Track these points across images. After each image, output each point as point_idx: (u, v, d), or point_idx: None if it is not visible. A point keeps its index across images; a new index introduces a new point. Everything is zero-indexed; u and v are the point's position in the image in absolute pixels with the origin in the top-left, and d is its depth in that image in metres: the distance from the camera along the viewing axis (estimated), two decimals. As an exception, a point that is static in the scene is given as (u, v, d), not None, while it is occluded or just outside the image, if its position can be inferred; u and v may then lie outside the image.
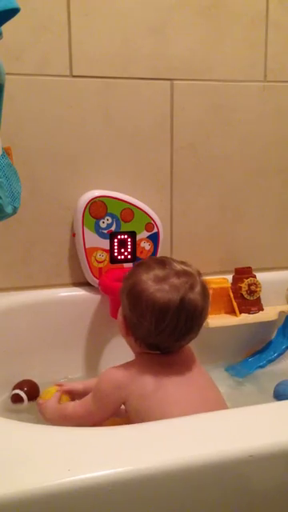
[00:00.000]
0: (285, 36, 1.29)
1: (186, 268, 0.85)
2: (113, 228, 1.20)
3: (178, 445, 0.60)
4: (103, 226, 1.19)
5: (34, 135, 1.16)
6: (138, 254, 1.23)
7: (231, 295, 1.24)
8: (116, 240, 1.21)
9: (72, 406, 0.91)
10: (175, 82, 1.23)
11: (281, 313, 1.28)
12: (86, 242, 1.19)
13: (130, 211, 1.21)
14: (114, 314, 1.15)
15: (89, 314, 1.22)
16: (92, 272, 1.20)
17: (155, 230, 1.24)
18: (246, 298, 1.25)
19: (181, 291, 0.81)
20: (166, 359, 0.86)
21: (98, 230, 1.19)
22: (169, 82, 1.23)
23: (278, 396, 1.10)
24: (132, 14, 1.17)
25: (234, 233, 1.36)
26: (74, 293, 1.23)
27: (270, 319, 1.26)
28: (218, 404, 0.84)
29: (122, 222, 1.21)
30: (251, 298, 1.25)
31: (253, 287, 1.25)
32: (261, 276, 1.27)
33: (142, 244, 1.23)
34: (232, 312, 1.25)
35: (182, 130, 1.26)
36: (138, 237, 1.23)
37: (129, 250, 1.22)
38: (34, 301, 1.18)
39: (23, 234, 1.19)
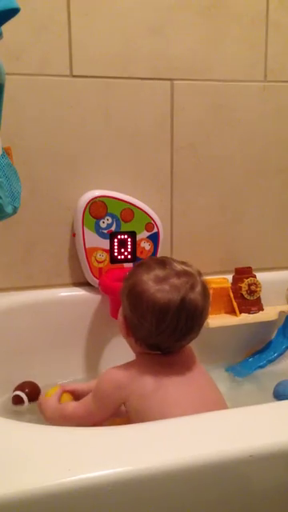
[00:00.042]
0: (285, 36, 1.29)
1: (186, 268, 0.85)
2: (113, 228, 1.20)
3: (177, 445, 0.60)
4: (103, 225, 1.19)
5: (34, 135, 1.16)
6: (138, 254, 1.23)
7: (231, 295, 1.24)
8: (116, 240, 1.21)
9: (72, 406, 0.91)
10: (175, 81, 1.23)
11: (281, 313, 1.28)
12: (86, 241, 1.19)
13: (130, 211, 1.21)
14: (114, 314, 1.15)
15: (89, 314, 1.22)
16: (92, 272, 1.20)
17: (155, 230, 1.24)
18: (246, 297, 1.25)
19: (181, 291, 0.81)
20: (167, 359, 0.86)
21: (98, 230, 1.19)
22: (169, 81, 1.23)
23: (278, 396, 1.10)
24: (132, 13, 1.17)
25: (234, 233, 1.36)
26: (74, 293, 1.23)
27: (270, 319, 1.26)
28: (219, 404, 0.84)
29: (122, 222, 1.21)
30: (251, 298, 1.25)
31: (253, 287, 1.25)
32: (261, 276, 1.27)
33: (142, 244, 1.23)
34: (232, 312, 1.25)
35: (182, 129, 1.26)
36: (138, 237, 1.23)
37: (129, 249, 1.22)
38: (34, 301, 1.18)
39: (23, 234, 1.19)
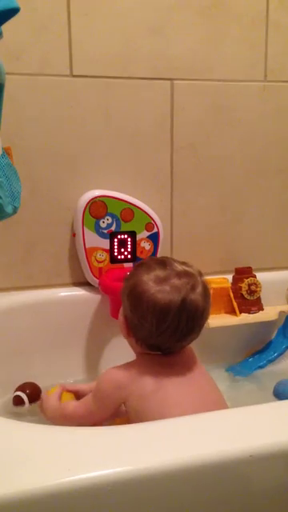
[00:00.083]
0: (285, 36, 1.29)
1: (186, 269, 0.85)
2: (113, 228, 1.20)
3: (177, 445, 0.60)
4: (103, 225, 1.19)
5: (34, 135, 1.16)
6: (138, 254, 1.23)
7: (231, 295, 1.24)
8: (116, 240, 1.21)
9: (72, 406, 0.91)
10: (175, 81, 1.23)
11: (281, 313, 1.28)
12: (86, 241, 1.19)
13: (130, 211, 1.21)
14: (114, 314, 1.15)
15: (89, 314, 1.22)
16: (92, 272, 1.20)
17: (155, 230, 1.24)
18: (246, 297, 1.25)
19: (182, 292, 0.81)
20: (167, 360, 0.86)
21: (98, 230, 1.19)
22: (169, 81, 1.23)
23: (278, 395, 1.10)
24: (132, 13, 1.17)
25: (234, 233, 1.36)
26: (74, 293, 1.23)
27: (270, 319, 1.26)
28: (219, 405, 0.84)
29: (122, 222, 1.21)
30: (251, 298, 1.25)
31: (253, 287, 1.25)
32: (261, 276, 1.27)
33: (142, 244, 1.23)
34: (232, 312, 1.25)
35: (182, 129, 1.26)
36: (138, 237, 1.23)
37: (129, 249, 1.22)
38: (34, 301, 1.18)
39: (23, 234, 1.19)
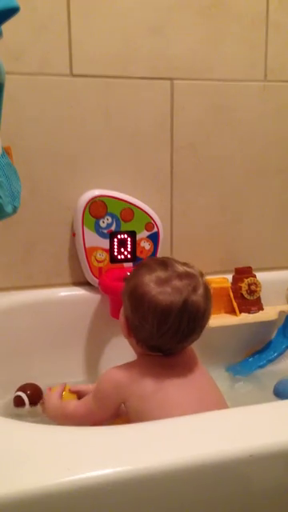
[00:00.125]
0: (285, 36, 1.29)
1: (188, 269, 0.84)
2: (113, 227, 1.20)
3: (177, 444, 0.60)
4: (103, 225, 1.19)
5: (34, 135, 1.16)
6: (137, 254, 1.23)
7: (231, 295, 1.24)
8: (116, 239, 1.21)
9: (73, 406, 0.91)
10: (175, 81, 1.23)
11: (281, 312, 1.28)
12: (85, 241, 1.19)
13: (129, 211, 1.21)
14: (114, 314, 1.15)
15: (89, 314, 1.22)
16: (92, 271, 1.20)
17: (155, 230, 1.24)
18: (246, 297, 1.25)
19: (183, 293, 0.81)
20: (168, 361, 0.86)
21: (97, 230, 1.19)
22: (169, 81, 1.23)
23: (279, 394, 1.10)
24: (132, 13, 1.17)
25: (234, 233, 1.36)
26: (74, 292, 1.23)
27: (270, 319, 1.26)
28: (219, 406, 0.84)
29: (121, 222, 1.21)
30: (251, 298, 1.25)
31: (253, 287, 1.25)
32: (261, 276, 1.27)
33: (142, 244, 1.23)
34: (232, 312, 1.25)
35: (182, 129, 1.26)
36: (138, 236, 1.22)
37: (129, 249, 1.22)
38: (34, 300, 1.18)
39: (23, 234, 1.19)
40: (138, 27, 1.18)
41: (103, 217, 1.19)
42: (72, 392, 0.98)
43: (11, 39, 1.05)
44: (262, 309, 1.27)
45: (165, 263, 0.85)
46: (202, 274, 0.86)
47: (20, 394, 1.03)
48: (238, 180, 1.33)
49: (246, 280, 1.25)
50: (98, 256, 1.20)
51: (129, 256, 1.22)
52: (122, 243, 1.21)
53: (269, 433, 0.63)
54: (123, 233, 1.21)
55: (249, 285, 1.25)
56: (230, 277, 1.27)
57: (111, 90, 1.19)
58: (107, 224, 1.20)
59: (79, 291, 1.23)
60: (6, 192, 0.91)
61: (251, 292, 1.25)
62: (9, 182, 0.92)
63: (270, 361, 1.24)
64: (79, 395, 0.98)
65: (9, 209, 0.92)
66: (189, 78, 1.24)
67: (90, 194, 1.18)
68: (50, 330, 1.18)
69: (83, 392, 0.98)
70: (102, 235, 1.20)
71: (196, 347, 0.91)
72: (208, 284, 0.86)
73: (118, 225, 1.20)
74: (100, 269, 1.21)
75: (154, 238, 1.24)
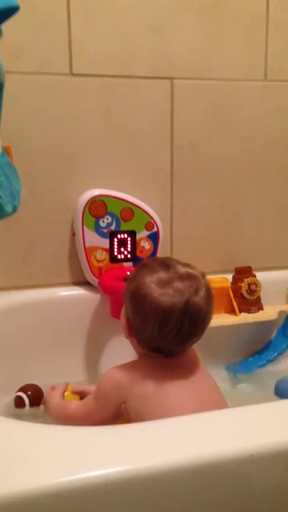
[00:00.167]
0: (285, 35, 1.29)
1: (190, 271, 0.84)
2: (113, 227, 1.20)
3: (177, 444, 0.60)
4: (103, 225, 1.19)
5: (34, 134, 1.16)
6: (137, 253, 1.23)
7: (231, 295, 1.24)
8: (116, 239, 1.21)
9: (74, 406, 0.90)
10: (175, 80, 1.23)
11: (281, 312, 1.28)
12: (85, 241, 1.19)
13: (129, 210, 1.21)
14: (114, 314, 1.15)
15: (89, 313, 1.22)
16: (92, 271, 1.20)
17: (155, 230, 1.24)
18: (245, 297, 1.25)
19: (185, 295, 0.80)
20: (169, 362, 0.85)
21: (97, 229, 1.19)
22: (169, 80, 1.22)
23: (279, 392, 1.10)
24: (132, 12, 1.17)
25: (234, 233, 1.35)
26: (73, 292, 1.23)
27: (270, 318, 1.26)
28: (220, 408, 0.83)
29: (121, 221, 1.20)
30: (251, 298, 1.25)
31: (253, 287, 1.25)
32: (261, 275, 1.27)
33: (142, 243, 1.23)
34: (232, 311, 1.25)
35: (182, 129, 1.25)
36: (138, 236, 1.22)
37: (129, 249, 1.22)
38: (33, 300, 1.18)
39: (23, 234, 1.19)
40: (138, 26, 1.18)
41: (103, 216, 1.19)
42: (75, 392, 0.98)
43: (11, 38, 1.05)
44: (262, 308, 1.27)
45: (166, 264, 0.85)
46: (203, 275, 0.85)
47: (20, 394, 1.03)
48: (238, 180, 1.33)
49: (245, 280, 1.25)
50: (98, 256, 1.20)
51: (129, 256, 1.22)
52: (122, 243, 1.21)
53: (269, 432, 0.63)
54: (123, 232, 1.21)
55: (249, 284, 1.25)
56: (229, 276, 1.27)
57: (111, 90, 1.19)
58: (107, 223, 1.19)
59: (79, 291, 1.23)
60: (6, 191, 0.91)
61: (251, 292, 1.25)
62: (9, 182, 0.92)
63: (270, 361, 1.24)
64: (82, 395, 0.98)
65: (9, 208, 0.92)
66: (189, 77, 1.24)
67: (90, 193, 1.18)
68: (50, 330, 1.18)
69: (86, 392, 0.98)
70: (102, 235, 1.20)
71: (196, 347, 0.91)
72: (210, 285, 0.85)
73: (117, 224, 1.20)
74: (100, 268, 1.20)
75: (154, 238, 1.24)
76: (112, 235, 1.20)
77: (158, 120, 1.23)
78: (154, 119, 1.23)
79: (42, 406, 1.00)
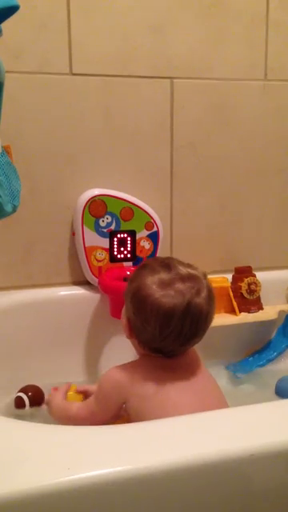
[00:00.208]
0: (285, 35, 1.29)
1: (191, 271, 0.83)
2: (112, 227, 1.20)
3: (178, 444, 0.60)
4: (103, 224, 1.19)
5: (34, 133, 1.16)
6: (137, 253, 1.23)
7: (231, 294, 1.24)
8: (116, 239, 1.21)
9: (76, 408, 0.90)
10: (175, 80, 1.23)
11: (280, 312, 1.28)
12: (85, 240, 1.19)
13: (129, 210, 1.21)
14: (114, 313, 1.14)
15: (89, 313, 1.22)
16: (92, 271, 1.20)
17: (155, 229, 1.24)
18: (245, 297, 1.24)
19: (186, 296, 0.80)
20: (170, 363, 0.85)
21: (97, 229, 1.19)
22: (169, 80, 1.22)
23: (280, 392, 1.10)
24: (132, 12, 1.17)
25: (234, 232, 1.35)
26: (73, 292, 1.23)
27: (270, 318, 1.26)
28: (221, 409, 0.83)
29: (121, 221, 1.20)
30: (251, 297, 1.25)
31: (253, 286, 1.25)
32: (261, 275, 1.27)
33: (142, 243, 1.23)
34: (232, 311, 1.24)
35: (182, 128, 1.25)
36: (138, 236, 1.22)
37: (128, 248, 1.22)
38: (33, 300, 1.18)
39: (23, 233, 1.19)
40: (137, 26, 1.18)
41: (103, 216, 1.19)
42: (79, 392, 0.98)
43: (11, 38, 1.05)
44: (262, 308, 1.27)
45: (168, 265, 0.84)
46: (205, 276, 0.85)
47: (21, 394, 1.03)
48: (238, 180, 1.33)
49: (245, 279, 1.25)
50: (98, 255, 1.20)
51: (128, 255, 1.22)
52: (122, 242, 1.21)
53: (270, 432, 0.62)
54: (123, 232, 1.21)
55: (249, 284, 1.25)
56: (229, 276, 1.27)
57: (111, 89, 1.19)
58: (107, 223, 1.19)
59: (79, 290, 1.23)
60: (6, 191, 0.91)
61: (251, 291, 1.25)
62: (8, 181, 0.92)
63: (270, 360, 1.24)
64: (86, 395, 0.98)
65: (8, 208, 0.92)
66: (189, 77, 1.24)
67: (90, 193, 1.18)
68: (50, 330, 1.18)
69: (90, 392, 0.98)
70: (102, 234, 1.20)
71: (196, 347, 0.90)
72: (211, 286, 0.85)
73: (117, 224, 1.20)
74: (100, 268, 1.20)
75: (154, 238, 1.24)
76: (112, 235, 1.20)
77: (157, 120, 1.23)
78: (153, 119, 1.23)
79: (44, 406, 1.00)
